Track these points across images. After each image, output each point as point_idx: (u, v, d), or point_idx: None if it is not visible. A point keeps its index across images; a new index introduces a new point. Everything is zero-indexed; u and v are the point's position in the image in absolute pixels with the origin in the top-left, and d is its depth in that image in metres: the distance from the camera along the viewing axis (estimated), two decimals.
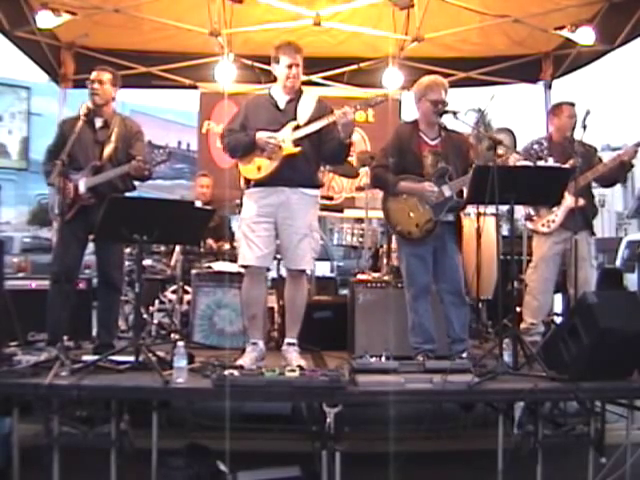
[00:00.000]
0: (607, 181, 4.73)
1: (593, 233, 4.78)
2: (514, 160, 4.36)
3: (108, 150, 4.31)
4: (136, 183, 4.47)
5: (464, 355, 4.14)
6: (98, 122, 4.35)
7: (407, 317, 4.35)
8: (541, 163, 4.71)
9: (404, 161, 4.24)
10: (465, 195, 4.22)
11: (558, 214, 4.68)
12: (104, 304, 4.45)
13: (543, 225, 4.75)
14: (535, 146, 4.25)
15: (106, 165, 4.29)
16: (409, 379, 3.49)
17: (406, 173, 4.24)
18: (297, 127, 4.04)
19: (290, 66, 4.05)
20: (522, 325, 4.68)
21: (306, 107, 4.11)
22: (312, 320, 4.65)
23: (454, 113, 4.12)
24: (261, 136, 4.00)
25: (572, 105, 4.86)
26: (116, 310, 4.61)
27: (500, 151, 4.13)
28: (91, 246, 4.40)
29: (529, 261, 4.99)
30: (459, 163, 4.22)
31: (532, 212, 4.79)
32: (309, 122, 4.05)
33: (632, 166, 4.68)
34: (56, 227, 4.35)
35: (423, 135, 4.28)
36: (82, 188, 4.23)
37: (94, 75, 4.35)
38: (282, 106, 4.12)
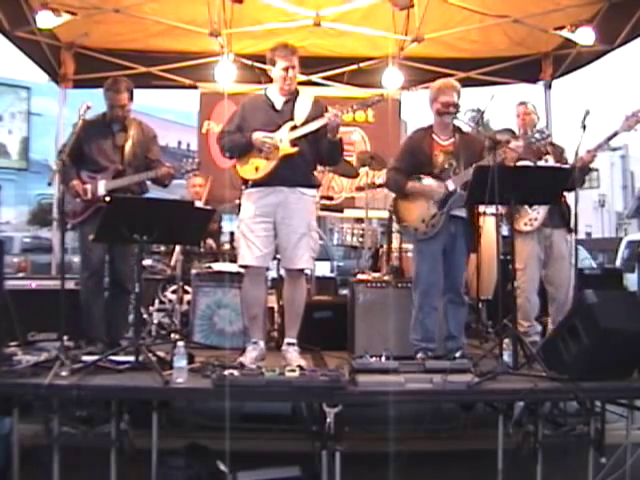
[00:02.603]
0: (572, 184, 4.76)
1: (571, 230, 4.76)
2: (515, 146, 4.36)
3: (128, 154, 4.35)
4: None
5: (457, 354, 4.15)
6: (116, 126, 4.40)
7: (407, 317, 4.37)
8: (541, 163, 4.72)
9: (416, 161, 4.33)
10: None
11: (540, 212, 4.68)
12: (114, 303, 4.47)
13: (526, 224, 4.72)
14: (537, 135, 4.26)
15: (127, 169, 4.34)
16: (409, 379, 3.49)
17: (418, 171, 4.32)
18: (294, 127, 4.05)
19: (286, 69, 4.06)
20: (519, 329, 4.68)
21: (303, 107, 4.12)
22: (312, 320, 4.65)
23: (456, 112, 4.15)
24: (257, 136, 4.01)
25: (521, 104, 4.94)
26: (125, 309, 4.61)
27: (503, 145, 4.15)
28: None
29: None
30: (470, 162, 4.23)
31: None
32: (306, 122, 4.06)
33: (590, 169, 4.72)
34: (68, 225, 4.38)
35: (436, 137, 4.36)
36: (101, 190, 4.27)
37: (117, 101, 4.32)
38: (279, 107, 4.13)
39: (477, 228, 4.43)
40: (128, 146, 4.37)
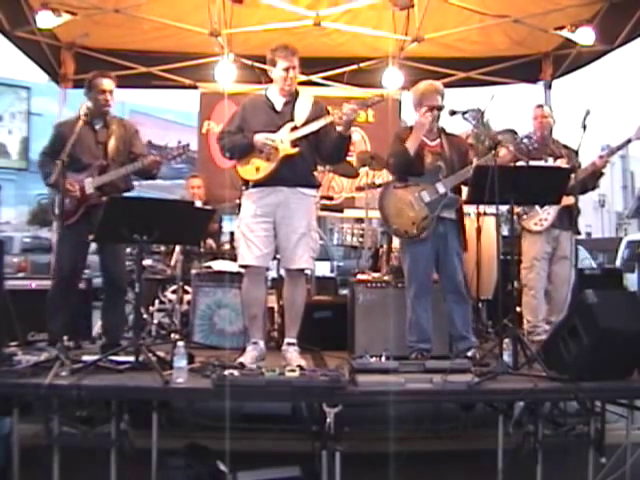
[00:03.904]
0: (582, 187, 4.78)
1: (578, 232, 4.82)
2: (504, 154, 4.39)
3: (111, 149, 4.34)
4: (135, 183, 4.49)
5: (469, 354, 4.16)
6: (98, 123, 4.37)
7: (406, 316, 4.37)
8: (541, 163, 4.73)
9: None
10: (465, 193, 4.26)
11: (550, 212, 4.74)
12: (110, 304, 4.45)
13: (536, 224, 4.80)
14: (525, 140, 4.31)
15: (111, 164, 4.31)
16: (409, 379, 3.49)
17: (407, 172, 4.31)
18: (295, 128, 4.06)
19: (287, 69, 4.07)
20: (525, 326, 4.70)
21: (303, 108, 4.13)
22: (312, 320, 4.65)
23: (463, 113, 4.17)
24: (259, 138, 4.01)
25: (538, 107, 5.02)
26: (122, 309, 4.60)
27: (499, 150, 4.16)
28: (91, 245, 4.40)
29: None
30: (457, 163, 4.29)
31: (522, 211, 4.83)
32: (306, 123, 4.06)
33: (602, 174, 4.77)
34: (57, 228, 4.34)
35: (423, 137, 4.33)
36: (89, 188, 4.25)
37: (107, 86, 4.34)
38: (279, 108, 4.14)
39: (463, 226, 4.42)
40: (111, 142, 4.34)
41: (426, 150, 4.32)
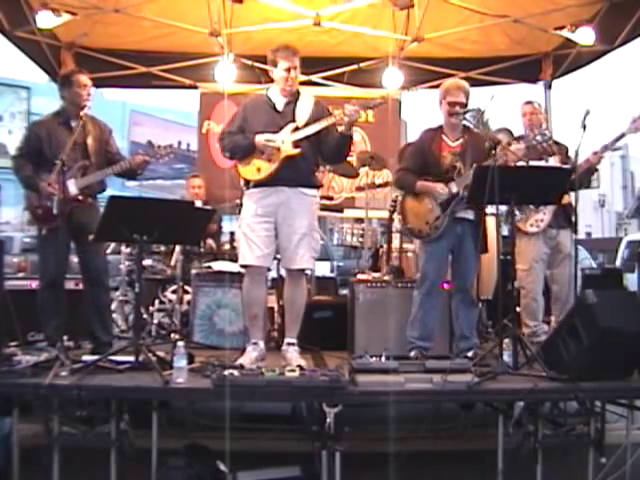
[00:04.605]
0: (577, 185, 4.76)
1: (576, 231, 4.79)
2: (516, 149, 4.37)
3: (92, 149, 4.30)
4: (134, 183, 4.49)
5: (470, 354, 4.17)
6: (74, 123, 4.29)
7: (407, 317, 4.39)
8: (541, 163, 4.72)
9: (425, 162, 4.35)
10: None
11: (546, 212, 4.71)
12: (98, 303, 4.42)
13: (532, 225, 4.75)
14: (538, 137, 4.26)
15: (92, 165, 4.28)
16: (409, 379, 3.49)
17: (426, 173, 4.35)
18: (296, 129, 4.06)
19: (288, 69, 4.07)
20: (526, 330, 4.69)
21: (304, 109, 4.13)
22: (312, 320, 4.65)
23: (463, 113, 4.17)
24: (260, 139, 4.01)
25: (527, 103, 4.98)
26: (107, 307, 4.58)
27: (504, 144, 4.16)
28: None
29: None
30: (476, 162, 4.21)
31: (518, 213, 4.81)
32: (308, 124, 4.06)
33: (596, 170, 4.75)
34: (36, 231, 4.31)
35: (445, 137, 4.38)
36: (73, 189, 4.20)
37: (87, 81, 4.35)
38: (280, 108, 4.13)
39: (485, 229, 4.44)
40: (89, 141, 4.29)
41: (445, 151, 4.34)
